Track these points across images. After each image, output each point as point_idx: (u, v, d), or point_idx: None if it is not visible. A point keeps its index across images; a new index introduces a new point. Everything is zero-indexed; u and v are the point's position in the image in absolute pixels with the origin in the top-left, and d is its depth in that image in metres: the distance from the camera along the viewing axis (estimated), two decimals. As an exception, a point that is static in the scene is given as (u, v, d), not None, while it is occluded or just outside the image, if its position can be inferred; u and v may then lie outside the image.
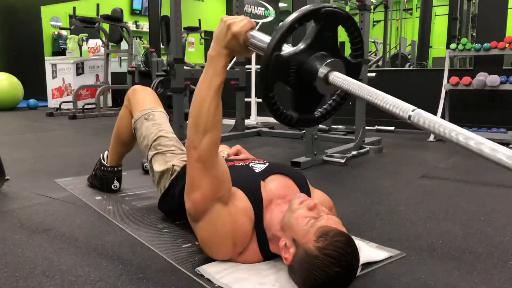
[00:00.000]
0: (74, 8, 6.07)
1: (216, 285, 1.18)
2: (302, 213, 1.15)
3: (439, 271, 1.32)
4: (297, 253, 1.11)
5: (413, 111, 0.80)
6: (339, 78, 0.85)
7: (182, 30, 7.43)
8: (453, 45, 4.06)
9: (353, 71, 0.93)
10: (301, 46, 0.91)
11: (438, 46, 7.43)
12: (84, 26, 6.14)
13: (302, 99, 0.93)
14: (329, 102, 1.05)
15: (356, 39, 0.98)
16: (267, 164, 1.47)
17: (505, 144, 3.47)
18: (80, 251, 1.44)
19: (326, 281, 1.03)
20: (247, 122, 4.98)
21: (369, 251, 1.39)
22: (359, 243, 1.45)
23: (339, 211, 1.87)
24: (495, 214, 1.87)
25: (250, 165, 1.46)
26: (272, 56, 0.85)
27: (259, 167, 1.44)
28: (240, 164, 1.49)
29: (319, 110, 1.00)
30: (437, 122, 0.79)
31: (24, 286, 1.20)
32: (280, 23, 0.89)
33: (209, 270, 1.24)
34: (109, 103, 7.05)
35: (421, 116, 0.80)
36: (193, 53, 10.61)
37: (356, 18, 5.94)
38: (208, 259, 1.31)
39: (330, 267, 1.02)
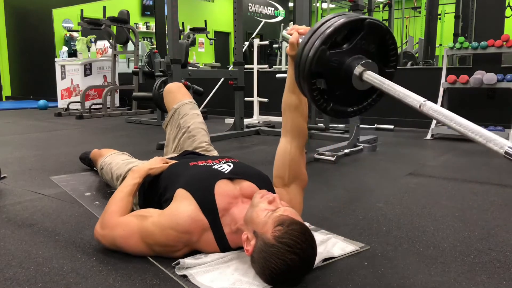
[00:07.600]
0: (81, 11, 6.20)
1: (180, 274, 1.24)
2: (262, 206, 1.22)
3: (399, 264, 1.35)
4: (257, 244, 1.17)
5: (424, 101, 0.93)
6: (371, 76, 1.00)
7: (188, 30, 7.53)
8: (450, 44, 4.05)
9: (386, 77, 1.05)
10: (343, 47, 1.04)
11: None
12: (91, 28, 6.27)
13: (338, 93, 1.07)
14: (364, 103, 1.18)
15: (392, 51, 1.11)
16: (232, 166, 1.51)
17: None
18: (59, 244, 1.52)
19: (283, 269, 1.09)
20: (249, 121, 5.03)
21: (332, 244, 1.44)
22: (328, 236, 1.50)
23: (317, 207, 1.92)
24: (470, 210, 1.89)
25: (215, 166, 1.52)
26: (319, 48, 0.98)
27: (225, 169, 1.49)
28: (203, 164, 1.55)
29: (354, 107, 1.12)
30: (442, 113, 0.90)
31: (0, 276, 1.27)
32: (326, 21, 1.03)
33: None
34: (117, 103, 7.18)
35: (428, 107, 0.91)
36: (203, 53, 10.72)
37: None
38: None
39: (286, 254, 1.08)
